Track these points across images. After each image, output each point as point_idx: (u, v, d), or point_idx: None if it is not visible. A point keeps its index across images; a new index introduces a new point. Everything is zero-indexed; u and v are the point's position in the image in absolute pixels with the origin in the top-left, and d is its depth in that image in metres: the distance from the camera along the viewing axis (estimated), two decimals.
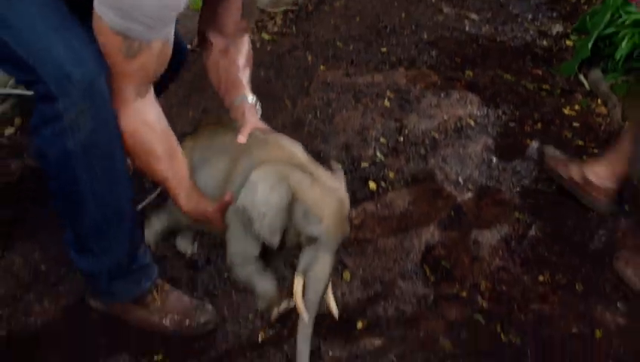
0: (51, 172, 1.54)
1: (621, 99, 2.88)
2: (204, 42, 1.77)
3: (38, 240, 2.05)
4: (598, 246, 2.15)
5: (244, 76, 1.74)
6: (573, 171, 2.26)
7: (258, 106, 1.70)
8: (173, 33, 1.47)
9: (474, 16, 3.77)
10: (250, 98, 1.69)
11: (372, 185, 2.28)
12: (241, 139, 1.58)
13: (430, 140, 2.55)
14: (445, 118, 2.68)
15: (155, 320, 1.77)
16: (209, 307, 1.81)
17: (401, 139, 2.54)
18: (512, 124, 2.68)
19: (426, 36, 3.43)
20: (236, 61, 1.73)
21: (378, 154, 2.44)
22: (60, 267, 1.96)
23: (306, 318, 1.47)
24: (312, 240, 1.42)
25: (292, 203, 1.42)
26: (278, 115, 2.59)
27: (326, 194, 1.42)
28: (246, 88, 1.71)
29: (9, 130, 2.42)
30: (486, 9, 3.81)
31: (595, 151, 2.54)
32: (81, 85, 1.41)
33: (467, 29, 3.60)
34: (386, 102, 2.71)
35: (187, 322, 1.77)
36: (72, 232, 1.66)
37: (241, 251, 1.55)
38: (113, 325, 1.81)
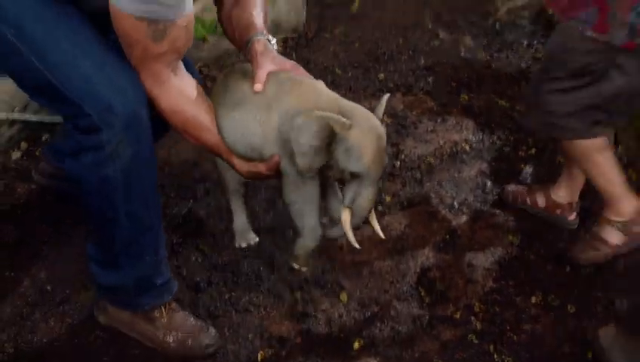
0: (89, 196, 1.59)
1: None
2: (219, 2, 1.76)
3: (43, 260, 2.11)
4: (589, 268, 2.20)
5: (258, 18, 1.68)
6: (537, 197, 2.36)
7: (274, 42, 1.65)
8: (192, 3, 1.46)
9: (469, 41, 3.85)
10: (262, 36, 1.62)
11: None
12: (258, 87, 1.53)
13: (426, 165, 2.62)
14: (441, 143, 2.75)
15: (159, 336, 1.82)
16: (212, 330, 1.86)
17: (398, 163, 2.60)
18: (506, 149, 2.74)
19: (422, 62, 3.50)
20: (248, 7, 1.69)
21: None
22: (65, 287, 2.02)
23: (356, 245, 1.57)
24: (355, 175, 1.51)
25: (333, 142, 1.49)
26: None
27: (363, 131, 1.49)
28: (258, 28, 1.65)
29: (16, 154, 2.49)
30: (481, 35, 3.89)
31: None
32: (123, 116, 1.47)
33: (462, 54, 3.67)
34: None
35: (190, 342, 1.83)
36: (100, 248, 1.72)
37: (300, 202, 1.58)
38: (118, 345, 1.86)
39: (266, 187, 2.39)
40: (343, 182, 1.57)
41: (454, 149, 2.72)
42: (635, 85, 1.98)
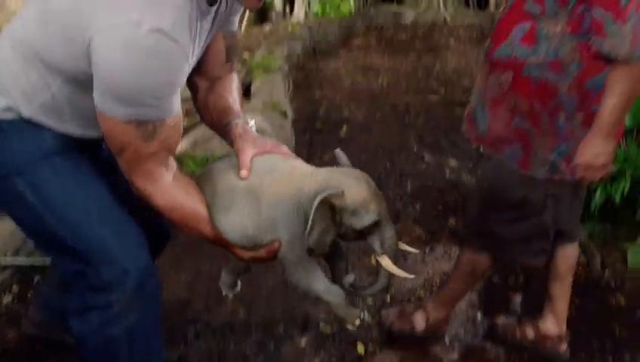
0: (92, 354, 1.60)
1: (599, 247, 3.00)
2: (191, 86, 1.78)
3: None
4: None
5: (234, 102, 1.72)
6: (527, 330, 2.37)
7: (252, 123, 1.68)
8: (179, 101, 1.49)
9: (454, 163, 3.96)
10: (240, 119, 1.65)
11: (360, 347, 2.34)
12: (243, 174, 1.56)
13: (416, 298, 2.63)
14: (430, 273, 2.77)
15: None
16: None
17: (388, 298, 2.62)
18: (495, 279, 2.77)
19: (409, 187, 3.58)
20: (224, 92, 1.73)
21: (365, 315, 2.50)
22: None
23: (409, 275, 1.64)
24: (374, 225, 1.54)
25: (336, 213, 1.53)
26: (269, 274, 2.68)
27: (354, 185, 1.53)
28: (235, 112, 1.69)
29: (7, 298, 2.49)
30: (466, 157, 4.01)
31: (577, 301, 2.61)
32: (135, 277, 1.51)
33: (448, 176, 3.77)
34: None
35: None
36: None
37: (304, 276, 1.62)
38: None
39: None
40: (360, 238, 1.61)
41: (444, 279, 2.74)
42: (573, 210, 2.12)
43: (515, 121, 1.97)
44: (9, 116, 1.54)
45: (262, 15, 7.60)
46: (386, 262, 1.60)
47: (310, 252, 1.57)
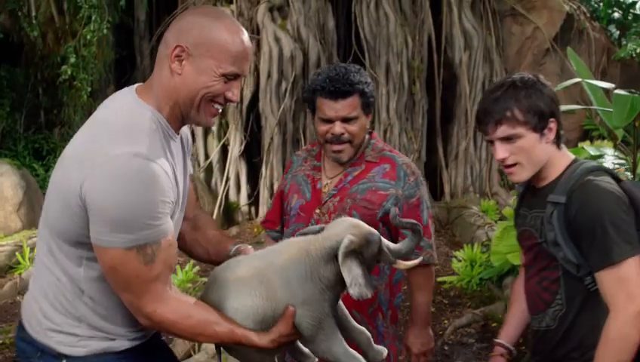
0: None
1: None
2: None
3: None
4: None
5: (222, 234, 1.96)
6: None
7: (250, 246, 1.85)
8: (172, 226, 1.65)
9: None
10: (240, 244, 1.88)
11: None
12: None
13: None
14: None
15: None
16: None
17: None
18: None
19: None
20: (209, 228, 1.95)
21: None
22: None
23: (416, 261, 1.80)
24: (380, 245, 1.71)
25: (360, 257, 1.68)
26: None
27: (346, 227, 1.71)
28: (230, 240, 1.94)
29: None
30: None
31: None
32: None
33: None
34: None
35: None
36: None
37: (325, 340, 1.71)
38: None
39: None
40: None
41: None
42: None
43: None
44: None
45: (229, 218, 7.77)
46: (402, 265, 1.77)
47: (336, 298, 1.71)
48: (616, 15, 9.50)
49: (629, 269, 1.79)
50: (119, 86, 8.55)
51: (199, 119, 1.74)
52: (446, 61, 7.80)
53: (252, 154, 7.53)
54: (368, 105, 2.35)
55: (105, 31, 6.92)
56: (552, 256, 1.92)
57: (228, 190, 7.55)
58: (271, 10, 7.24)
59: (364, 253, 1.68)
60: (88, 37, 6.81)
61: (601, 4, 9.57)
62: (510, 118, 1.87)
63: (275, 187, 6.97)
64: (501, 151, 1.91)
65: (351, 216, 2.21)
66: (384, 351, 1.82)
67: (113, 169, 1.54)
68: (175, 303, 1.64)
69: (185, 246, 1.95)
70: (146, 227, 1.56)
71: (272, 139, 7.10)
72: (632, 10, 9.15)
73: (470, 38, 7.84)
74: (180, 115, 1.73)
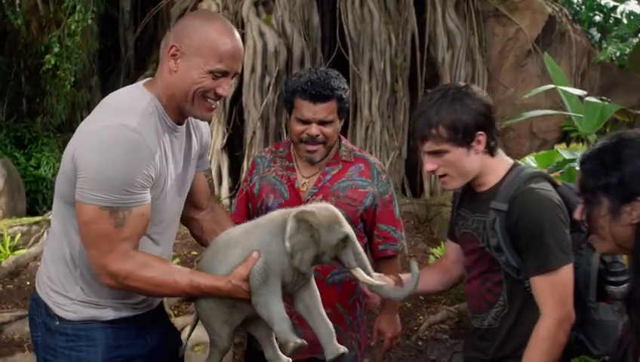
0: None
1: None
2: (189, 222, 2.20)
3: None
4: None
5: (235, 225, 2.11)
6: None
7: None
8: (148, 200, 1.83)
9: None
10: None
11: None
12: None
13: None
14: None
15: None
16: None
17: None
18: None
19: None
20: (226, 224, 2.17)
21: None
22: None
23: (382, 282, 1.93)
24: (344, 240, 1.84)
25: (314, 234, 1.82)
26: None
27: (324, 208, 1.88)
28: None
29: None
30: (407, 355, 3.99)
31: None
32: None
33: None
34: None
35: None
36: None
37: (266, 297, 1.86)
38: None
39: None
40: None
41: None
42: None
43: None
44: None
45: None
46: (359, 274, 1.87)
47: (296, 271, 1.85)
48: (597, 18, 9.64)
49: (562, 277, 1.90)
50: (103, 76, 8.57)
51: (195, 113, 1.93)
52: (429, 60, 7.87)
53: (234, 148, 7.57)
54: (343, 110, 2.46)
55: (89, 21, 6.91)
56: (494, 259, 2.01)
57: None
58: (256, 4, 7.27)
59: (321, 235, 1.82)
60: (73, 27, 6.79)
61: (583, 7, 9.71)
62: (434, 135, 1.94)
63: None
64: (429, 163, 2.00)
65: None
66: (342, 350, 1.92)
67: (102, 136, 1.77)
68: (137, 259, 1.82)
69: (202, 234, 2.21)
70: (123, 192, 1.76)
71: (254, 133, 7.14)
72: (612, 14, 9.30)
73: (453, 38, 7.91)
74: (176, 107, 1.91)
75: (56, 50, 6.73)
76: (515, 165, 2.06)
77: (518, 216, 1.93)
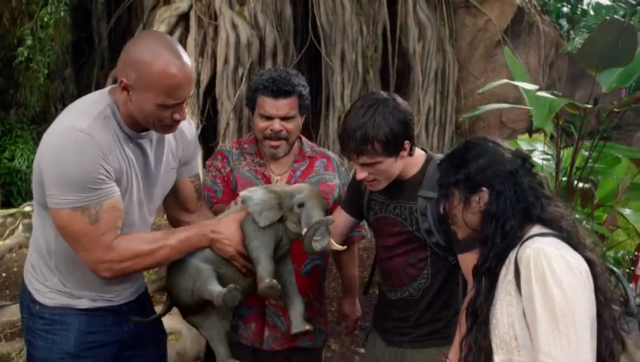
0: None
1: None
2: (180, 224, 2.28)
3: None
4: None
5: None
6: None
7: None
8: (117, 192, 1.93)
9: None
10: None
11: None
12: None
13: None
14: None
15: None
16: None
17: None
18: None
19: None
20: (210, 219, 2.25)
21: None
22: None
23: (337, 247, 2.19)
24: (300, 205, 2.11)
25: (278, 198, 2.13)
26: None
27: (297, 185, 2.24)
28: None
29: None
30: None
31: None
32: None
33: None
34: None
35: None
36: None
37: (256, 243, 2.10)
38: None
39: None
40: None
41: None
42: None
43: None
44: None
45: None
46: (305, 232, 2.07)
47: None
48: (565, 10, 9.81)
49: None
50: (77, 68, 8.56)
51: (158, 131, 2.06)
52: (400, 50, 7.98)
53: (208, 139, 7.64)
54: (304, 107, 2.57)
55: (62, 13, 6.90)
56: (421, 240, 2.22)
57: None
58: None
59: (283, 199, 2.14)
60: (45, 19, 6.79)
61: None
62: (370, 151, 2.10)
63: None
64: (361, 173, 2.18)
65: None
66: (307, 327, 2.17)
67: (54, 140, 1.88)
68: (120, 244, 1.94)
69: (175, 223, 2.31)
70: (87, 190, 1.85)
71: (227, 124, 7.21)
72: (580, 5, 9.47)
73: (424, 29, 8.04)
74: (136, 122, 2.00)
75: (29, 42, 6.73)
76: (429, 156, 2.29)
77: None
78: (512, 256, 1.81)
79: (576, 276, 1.70)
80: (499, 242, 1.82)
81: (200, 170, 2.56)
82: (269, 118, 2.51)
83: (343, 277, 2.81)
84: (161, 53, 1.90)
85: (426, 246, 2.25)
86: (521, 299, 1.73)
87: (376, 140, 2.09)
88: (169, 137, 2.16)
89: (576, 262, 1.72)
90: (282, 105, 2.50)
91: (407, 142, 2.16)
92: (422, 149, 2.33)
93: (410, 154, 2.22)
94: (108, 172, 1.90)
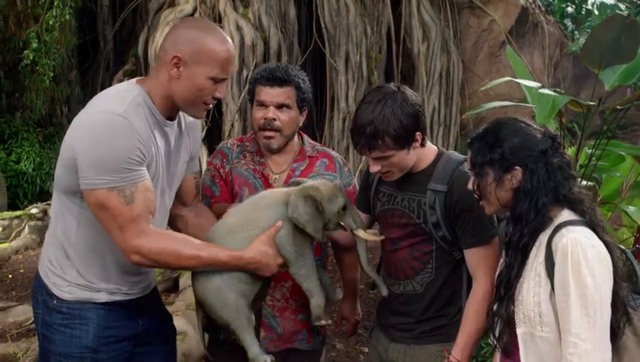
0: None
1: None
2: (174, 218, 2.32)
3: None
4: None
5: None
6: None
7: None
8: (148, 176, 2.00)
9: None
10: None
11: None
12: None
13: None
14: None
15: None
16: None
17: None
18: None
19: None
20: (210, 218, 2.33)
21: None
22: None
23: (380, 238, 2.30)
24: (343, 208, 2.17)
25: (319, 206, 2.12)
26: None
27: (324, 183, 2.20)
28: None
29: None
30: None
31: None
32: None
33: None
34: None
35: None
36: None
37: (305, 270, 2.16)
38: None
39: None
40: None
41: None
42: None
43: (300, 316, 2.53)
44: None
45: None
46: (361, 233, 2.18)
47: (311, 239, 2.15)
48: (570, 10, 9.79)
49: (493, 248, 2.18)
50: (82, 71, 8.60)
51: (192, 112, 2.15)
52: (404, 51, 7.99)
53: (213, 140, 7.66)
54: (303, 101, 2.56)
55: (67, 16, 6.95)
56: (427, 233, 2.23)
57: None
58: None
59: (325, 206, 2.13)
60: (51, 22, 6.83)
61: None
62: (381, 145, 2.12)
63: None
64: (375, 166, 2.21)
65: None
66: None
67: (91, 123, 1.94)
68: (155, 235, 2.00)
69: (186, 228, 2.33)
70: (123, 171, 1.91)
71: (232, 125, 7.24)
72: (584, 5, 9.45)
73: (428, 30, 8.04)
74: (170, 105, 2.10)
75: (34, 45, 6.78)
76: (440, 150, 2.31)
77: (458, 197, 2.17)
78: (542, 238, 1.91)
79: (604, 264, 1.84)
80: (532, 219, 1.90)
81: (203, 168, 2.57)
82: (264, 105, 2.52)
83: (345, 280, 2.80)
84: (213, 31, 2.11)
85: (431, 239, 2.25)
86: (549, 281, 1.86)
87: (386, 135, 2.10)
88: (185, 132, 2.25)
89: (603, 250, 1.86)
90: (278, 93, 2.50)
91: (418, 133, 2.17)
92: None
93: (423, 145, 2.23)
94: (143, 154, 1.97)
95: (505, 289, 1.95)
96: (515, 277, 1.93)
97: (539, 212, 1.90)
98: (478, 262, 2.18)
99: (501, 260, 2.08)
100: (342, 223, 2.20)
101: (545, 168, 1.91)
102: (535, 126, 1.99)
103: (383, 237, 2.26)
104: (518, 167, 1.92)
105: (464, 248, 2.20)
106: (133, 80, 2.15)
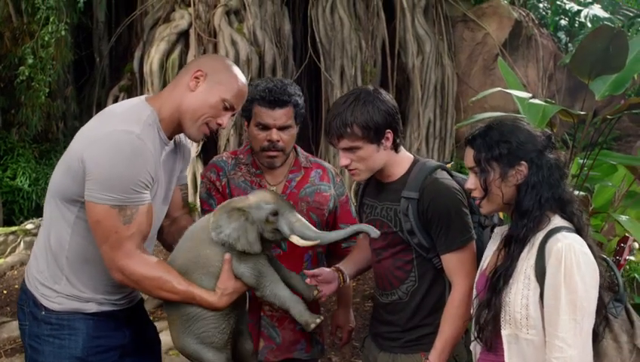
0: None
1: None
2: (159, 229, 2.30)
3: None
4: None
5: None
6: None
7: None
8: (150, 199, 2.03)
9: None
10: None
11: None
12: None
13: None
14: None
15: None
16: None
17: None
18: None
19: None
20: (186, 225, 2.28)
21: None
22: None
23: (313, 242, 2.11)
24: (274, 214, 2.07)
25: (247, 216, 2.05)
26: None
27: (256, 193, 2.16)
28: None
29: None
30: None
31: None
32: None
33: None
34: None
35: None
36: None
37: (269, 285, 2.10)
38: None
39: None
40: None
41: None
42: None
43: (298, 326, 2.45)
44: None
45: None
46: (295, 240, 2.08)
47: (245, 254, 2.06)
48: (563, 22, 9.85)
49: (468, 252, 2.20)
50: (78, 87, 8.61)
51: (192, 132, 2.15)
52: (399, 65, 8.03)
53: (209, 155, 7.67)
54: (299, 116, 2.58)
55: (63, 32, 6.98)
56: (405, 242, 2.25)
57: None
58: (228, 13, 7.38)
59: (253, 214, 2.07)
60: (46, 38, 6.86)
61: (549, 11, 9.92)
62: (349, 134, 2.15)
63: None
64: (343, 159, 2.22)
65: (308, 216, 2.51)
66: (316, 291, 2.25)
67: (109, 141, 1.97)
68: (142, 260, 2.02)
69: (161, 238, 2.36)
70: (130, 191, 1.95)
71: (227, 140, 7.25)
72: (577, 18, 9.51)
73: (423, 43, 8.09)
74: (176, 122, 2.14)
75: (30, 61, 6.80)
76: (416, 159, 2.32)
77: (429, 203, 2.19)
78: (535, 240, 1.93)
79: (593, 270, 1.86)
80: (537, 214, 1.93)
81: (198, 182, 2.62)
82: (266, 127, 2.52)
83: (338, 289, 2.79)
84: (237, 68, 2.23)
85: (410, 248, 2.27)
86: (538, 285, 1.87)
87: (355, 124, 2.14)
88: (179, 145, 2.30)
89: (592, 256, 1.89)
90: (280, 115, 2.50)
91: (388, 131, 2.20)
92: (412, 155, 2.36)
93: (395, 149, 2.26)
94: (152, 178, 2.02)
95: (503, 281, 1.94)
96: (509, 272, 1.95)
97: (542, 206, 1.92)
98: (455, 266, 2.21)
99: (485, 263, 2.09)
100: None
101: (546, 165, 1.95)
102: (531, 125, 2.04)
103: (317, 242, 2.14)
104: (524, 162, 1.94)
105: (440, 254, 2.22)
106: (143, 97, 2.19)
